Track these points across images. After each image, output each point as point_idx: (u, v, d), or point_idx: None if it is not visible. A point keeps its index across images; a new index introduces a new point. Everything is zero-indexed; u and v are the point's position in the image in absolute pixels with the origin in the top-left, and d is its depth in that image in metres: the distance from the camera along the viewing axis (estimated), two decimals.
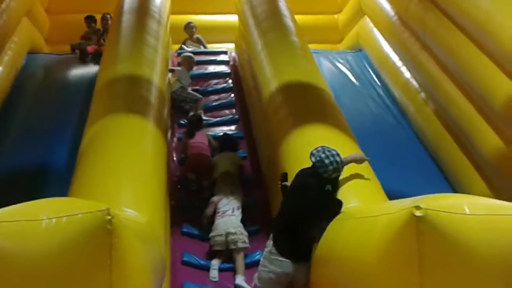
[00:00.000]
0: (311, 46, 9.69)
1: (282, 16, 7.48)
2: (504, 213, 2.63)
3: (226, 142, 6.41)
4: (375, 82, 8.23)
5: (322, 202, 3.92)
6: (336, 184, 4.05)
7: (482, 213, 2.59)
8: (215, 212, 5.35)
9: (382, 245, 2.66)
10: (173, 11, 8.80)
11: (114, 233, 2.15)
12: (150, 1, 7.61)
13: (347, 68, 8.61)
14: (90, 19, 8.95)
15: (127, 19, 7.10)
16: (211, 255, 5.17)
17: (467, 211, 2.56)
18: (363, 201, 4.02)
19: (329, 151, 4.05)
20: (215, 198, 5.51)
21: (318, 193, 3.98)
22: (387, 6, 7.99)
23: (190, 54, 7.86)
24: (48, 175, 6.19)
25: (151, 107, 5.42)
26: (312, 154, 4.10)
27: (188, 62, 7.65)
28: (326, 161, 3.99)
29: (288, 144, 5.03)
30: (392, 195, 5.81)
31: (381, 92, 7.95)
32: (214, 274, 4.98)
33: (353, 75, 8.44)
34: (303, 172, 4.18)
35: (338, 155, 4.04)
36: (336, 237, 3.38)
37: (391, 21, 7.81)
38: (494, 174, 5.43)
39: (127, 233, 2.24)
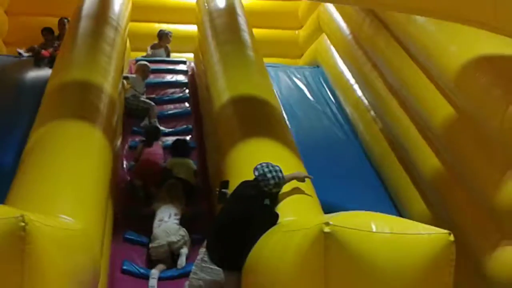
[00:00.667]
0: (272, 60, 10.01)
1: (239, 30, 7.58)
2: (408, 232, 2.77)
3: (178, 147, 6.42)
4: (330, 98, 8.41)
5: (258, 215, 4.02)
6: (274, 199, 4.19)
7: (388, 231, 2.72)
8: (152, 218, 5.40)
9: (295, 258, 2.79)
10: (134, 19, 8.86)
11: (27, 240, 2.19)
12: (109, 8, 7.62)
13: (303, 84, 8.77)
14: (47, 31, 8.88)
15: (83, 25, 7.09)
16: (152, 263, 5.19)
17: (374, 229, 2.69)
18: (298, 216, 4.12)
19: (272, 166, 4.21)
20: (155, 206, 5.56)
21: (256, 205, 4.09)
22: (343, 25, 8.18)
23: (145, 63, 7.90)
24: None
25: (99, 114, 5.44)
26: (256, 169, 4.24)
27: (143, 70, 7.69)
28: (269, 175, 4.13)
29: (234, 156, 5.12)
30: (334, 210, 6.07)
31: (334, 109, 8.12)
32: (152, 283, 4.98)
33: (309, 90, 8.60)
34: (245, 184, 4.29)
35: (280, 171, 4.20)
36: (264, 247, 3.48)
37: (346, 39, 8.00)
38: (432, 193, 5.60)
39: (42, 240, 2.28)
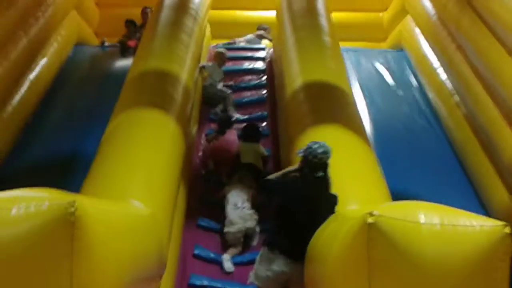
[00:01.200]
0: (356, 44, 9.84)
1: (317, 15, 7.46)
2: (458, 224, 2.61)
3: (247, 132, 6.42)
4: (412, 83, 8.11)
5: (315, 192, 3.91)
6: (327, 172, 3.97)
7: (437, 222, 2.57)
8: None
9: (340, 249, 2.72)
10: (215, 7, 8.99)
11: (77, 225, 2.30)
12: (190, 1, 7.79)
13: (385, 68, 8.52)
14: (130, 23, 9.19)
15: (164, 15, 7.29)
16: (224, 248, 5.31)
17: (422, 220, 2.56)
18: (363, 205, 4.01)
19: (316, 142, 4.05)
20: (226, 190, 5.65)
21: (308, 183, 3.96)
22: (428, 5, 7.83)
23: (222, 50, 7.93)
24: (80, 162, 6.48)
25: (173, 102, 5.57)
26: (299, 152, 4.12)
27: (220, 58, 7.77)
28: (315, 146, 3.99)
29: (302, 142, 5.06)
30: (412, 199, 5.89)
31: (416, 94, 7.83)
32: (229, 265, 5.12)
33: (390, 75, 8.34)
34: (289, 171, 4.21)
35: (326, 145, 4.02)
36: (321, 236, 3.42)
37: (431, 20, 7.67)
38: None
39: (93, 225, 2.38)
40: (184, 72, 6.22)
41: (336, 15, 9.73)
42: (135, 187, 4.19)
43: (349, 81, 6.45)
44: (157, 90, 5.68)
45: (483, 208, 5.88)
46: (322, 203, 3.87)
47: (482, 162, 5.97)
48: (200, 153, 6.76)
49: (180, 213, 5.20)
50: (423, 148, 6.86)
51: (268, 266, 4.04)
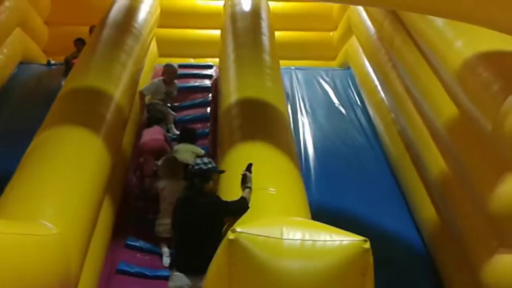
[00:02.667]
0: (307, 63, 9.97)
1: (259, 33, 7.56)
2: (318, 239, 2.65)
3: (185, 133, 6.69)
4: (356, 101, 8.24)
5: (198, 203, 4.03)
6: (204, 177, 4.14)
7: (298, 238, 2.62)
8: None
9: (212, 265, 2.75)
10: (162, 25, 9.04)
11: None
12: (133, 16, 7.82)
13: (330, 87, 8.65)
14: (79, 41, 9.15)
15: (105, 33, 7.31)
16: (157, 243, 5.47)
17: (284, 235, 2.60)
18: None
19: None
20: (158, 184, 5.74)
21: (190, 192, 4.18)
22: (369, 24, 7.99)
23: (171, 64, 7.81)
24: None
25: (103, 121, 5.54)
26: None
27: (168, 72, 7.64)
28: (198, 160, 4.30)
29: (231, 157, 5.10)
30: (346, 216, 5.98)
31: (358, 112, 7.97)
32: (166, 260, 5.29)
33: (335, 93, 8.47)
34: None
35: (210, 162, 4.26)
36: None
37: (371, 39, 7.82)
38: (438, 196, 5.38)
39: None
40: (119, 91, 6.21)
41: (288, 34, 10.00)
42: (47, 206, 4.15)
43: (285, 99, 6.52)
44: (86, 109, 5.63)
45: (415, 224, 5.98)
46: (196, 211, 3.96)
47: (413, 178, 6.07)
48: (138, 172, 6.75)
49: (107, 231, 5.17)
50: (361, 165, 6.97)
51: (172, 283, 4.11)
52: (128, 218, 5.90)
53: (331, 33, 10.45)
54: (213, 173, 4.21)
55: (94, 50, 6.86)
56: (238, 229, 2.64)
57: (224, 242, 2.66)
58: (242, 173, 4.39)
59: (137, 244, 5.56)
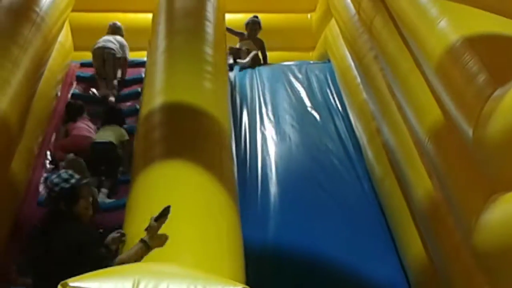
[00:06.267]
0: (278, 55, 10.01)
1: (203, 18, 7.61)
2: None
3: (110, 114, 7.74)
4: (334, 104, 8.29)
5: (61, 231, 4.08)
6: (70, 198, 4.21)
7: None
8: None
9: None
10: (78, 8, 9.07)
11: None
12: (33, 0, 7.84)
13: (303, 86, 8.68)
14: None
15: None
16: None
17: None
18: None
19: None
20: None
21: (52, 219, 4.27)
22: (348, 1, 8.02)
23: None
24: None
25: None
26: None
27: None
28: (52, 176, 4.40)
29: (147, 178, 5.17)
30: (315, 257, 6.02)
31: (337, 118, 8.00)
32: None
33: (308, 94, 8.50)
34: None
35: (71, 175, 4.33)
36: None
37: (351, 21, 7.88)
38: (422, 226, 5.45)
39: None
40: (6, 99, 6.20)
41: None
42: None
43: (228, 106, 6.58)
44: None
45: (402, 265, 6.03)
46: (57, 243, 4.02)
47: (399, 204, 6.12)
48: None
49: None
50: (337, 189, 6.99)
51: None
52: None
53: (308, 15, 10.55)
54: (81, 189, 4.23)
55: None
56: (71, 283, 2.74)
57: None
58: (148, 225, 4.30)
59: None
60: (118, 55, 8.92)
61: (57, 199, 4.23)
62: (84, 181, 4.40)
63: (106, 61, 8.83)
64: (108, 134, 7.39)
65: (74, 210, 4.21)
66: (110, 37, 9.02)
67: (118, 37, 9.09)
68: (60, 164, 7.16)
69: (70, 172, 4.37)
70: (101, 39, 8.95)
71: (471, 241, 4.11)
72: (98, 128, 7.76)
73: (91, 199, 4.55)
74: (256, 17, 9.57)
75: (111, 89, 8.83)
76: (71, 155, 7.05)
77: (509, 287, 3.81)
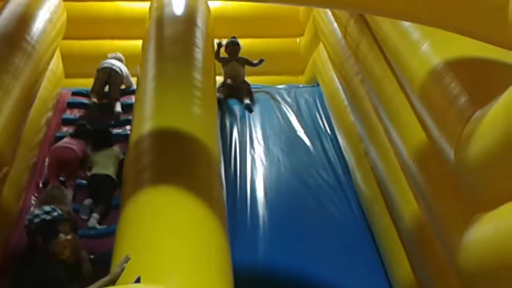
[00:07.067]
0: (268, 79, 10.12)
1: (192, 44, 7.70)
2: None
3: (98, 136, 7.79)
4: (323, 127, 8.39)
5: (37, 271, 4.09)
6: (49, 232, 4.24)
7: None
8: None
9: None
10: (69, 36, 9.16)
11: None
12: (25, 26, 7.92)
13: (292, 109, 8.79)
14: None
15: None
16: None
17: None
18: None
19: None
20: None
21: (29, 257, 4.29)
22: (335, 26, 8.15)
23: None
24: None
25: None
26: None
27: None
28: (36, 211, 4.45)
29: (135, 204, 5.22)
30: (305, 280, 6.08)
31: (326, 142, 8.11)
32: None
33: (297, 118, 8.61)
34: None
35: (54, 209, 4.39)
36: None
37: (339, 45, 7.99)
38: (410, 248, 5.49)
39: None
40: None
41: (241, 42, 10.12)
42: None
43: (217, 131, 6.66)
44: None
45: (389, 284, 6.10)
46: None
47: (388, 226, 6.19)
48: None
49: None
50: (327, 212, 7.09)
51: None
52: None
53: (297, 40, 10.66)
54: (61, 223, 4.25)
55: None
56: None
57: None
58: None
59: None
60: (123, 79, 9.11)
61: (35, 233, 4.24)
62: (67, 217, 4.41)
63: (112, 80, 8.96)
64: (105, 165, 7.43)
65: (51, 245, 4.20)
66: (117, 62, 9.16)
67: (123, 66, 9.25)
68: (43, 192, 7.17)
69: (53, 206, 4.39)
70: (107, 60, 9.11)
71: (455, 260, 4.17)
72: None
73: (69, 237, 4.52)
74: (234, 37, 9.53)
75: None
76: (50, 186, 7.12)
77: None
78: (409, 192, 5.52)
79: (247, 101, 8.88)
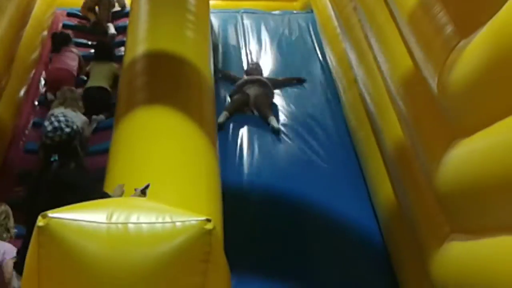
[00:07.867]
0: (262, 4, 10.14)
1: None
2: (146, 221, 2.94)
3: (100, 49, 8.03)
4: (316, 53, 8.49)
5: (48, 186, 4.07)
6: (71, 154, 4.24)
7: (121, 221, 2.90)
8: None
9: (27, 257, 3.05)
10: None
11: None
12: None
13: (285, 35, 8.86)
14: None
15: None
16: None
17: (107, 219, 2.89)
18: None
19: (54, 117, 4.35)
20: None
21: (42, 172, 4.24)
22: None
23: None
24: None
25: None
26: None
27: None
28: (46, 123, 4.32)
29: (128, 124, 5.39)
30: (290, 197, 6.29)
31: (316, 67, 8.21)
32: None
33: (289, 45, 8.70)
34: None
35: (65, 117, 4.33)
36: None
37: None
38: (391, 170, 5.69)
39: None
40: None
41: None
42: None
43: (210, 56, 6.74)
44: None
45: (372, 208, 6.32)
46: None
47: (372, 150, 6.37)
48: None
49: None
50: (313, 136, 7.24)
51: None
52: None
53: None
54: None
55: None
56: (50, 214, 2.87)
57: (34, 230, 2.89)
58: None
59: None
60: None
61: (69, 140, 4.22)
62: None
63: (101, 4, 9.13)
64: (101, 77, 7.68)
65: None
66: None
67: None
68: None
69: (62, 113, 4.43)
70: None
71: (432, 181, 4.37)
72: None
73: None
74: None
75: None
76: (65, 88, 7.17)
77: (466, 225, 4.09)
78: (394, 118, 5.66)
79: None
